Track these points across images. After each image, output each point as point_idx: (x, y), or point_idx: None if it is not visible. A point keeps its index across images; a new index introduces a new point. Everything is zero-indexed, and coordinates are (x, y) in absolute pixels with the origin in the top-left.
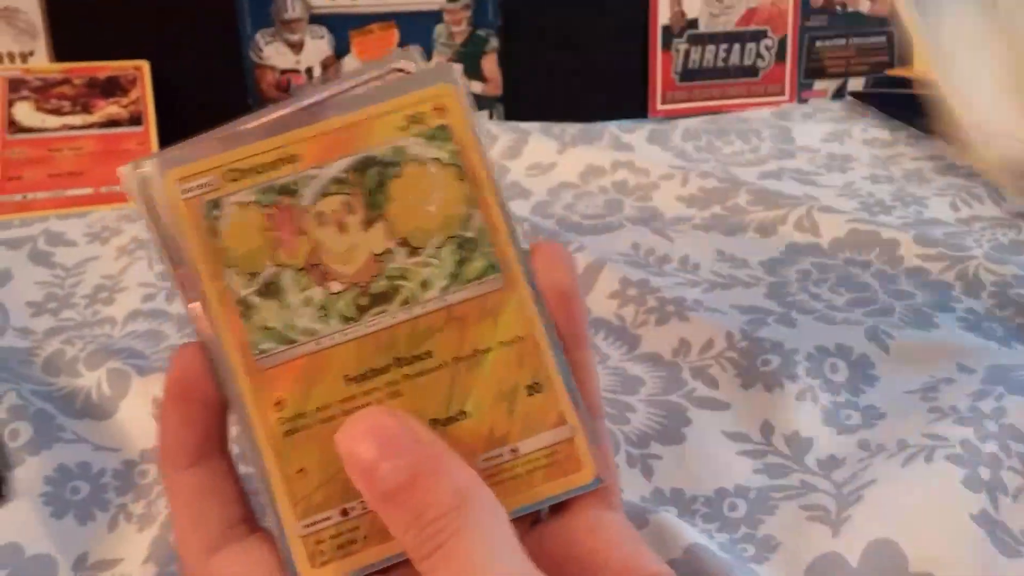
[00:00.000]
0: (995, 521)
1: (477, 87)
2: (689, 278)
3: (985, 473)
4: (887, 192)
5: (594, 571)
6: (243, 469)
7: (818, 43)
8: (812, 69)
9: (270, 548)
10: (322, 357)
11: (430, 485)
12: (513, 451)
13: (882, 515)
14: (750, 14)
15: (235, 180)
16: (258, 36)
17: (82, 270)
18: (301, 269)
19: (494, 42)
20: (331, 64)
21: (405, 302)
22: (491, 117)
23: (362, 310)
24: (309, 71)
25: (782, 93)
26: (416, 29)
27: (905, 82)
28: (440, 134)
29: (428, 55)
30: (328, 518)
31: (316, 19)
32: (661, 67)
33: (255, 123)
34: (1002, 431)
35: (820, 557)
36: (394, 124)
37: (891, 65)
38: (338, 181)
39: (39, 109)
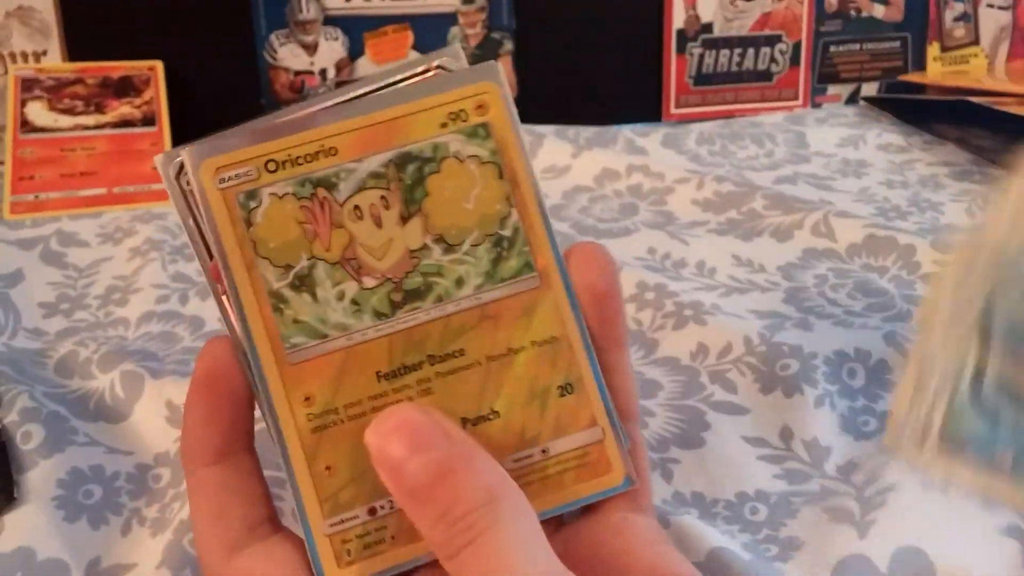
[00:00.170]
0: None
1: None
2: (706, 282)
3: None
4: (903, 198)
5: (620, 572)
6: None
7: (832, 48)
8: (826, 74)
9: (292, 548)
10: (354, 353)
11: (459, 481)
12: (544, 451)
13: (908, 522)
14: (764, 19)
15: (272, 171)
16: (272, 37)
17: (95, 271)
18: (335, 263)
19: (509, 45)
20: (345, 66)
21: (439, 299)
22: None
23: (395, 306)
24: (323, 73)
25: (796, 98)
26: (431, 31)
27: (919, 87)
28: (480, 132)
29: None
30: (355, 517)
31: (330, 21)
32: (675, 71)
33: (294, 115)
34: None
35: (847, 558)
36: (435, 120)
37: (905, 70)
38: (376, 175)
39: (52, 109)
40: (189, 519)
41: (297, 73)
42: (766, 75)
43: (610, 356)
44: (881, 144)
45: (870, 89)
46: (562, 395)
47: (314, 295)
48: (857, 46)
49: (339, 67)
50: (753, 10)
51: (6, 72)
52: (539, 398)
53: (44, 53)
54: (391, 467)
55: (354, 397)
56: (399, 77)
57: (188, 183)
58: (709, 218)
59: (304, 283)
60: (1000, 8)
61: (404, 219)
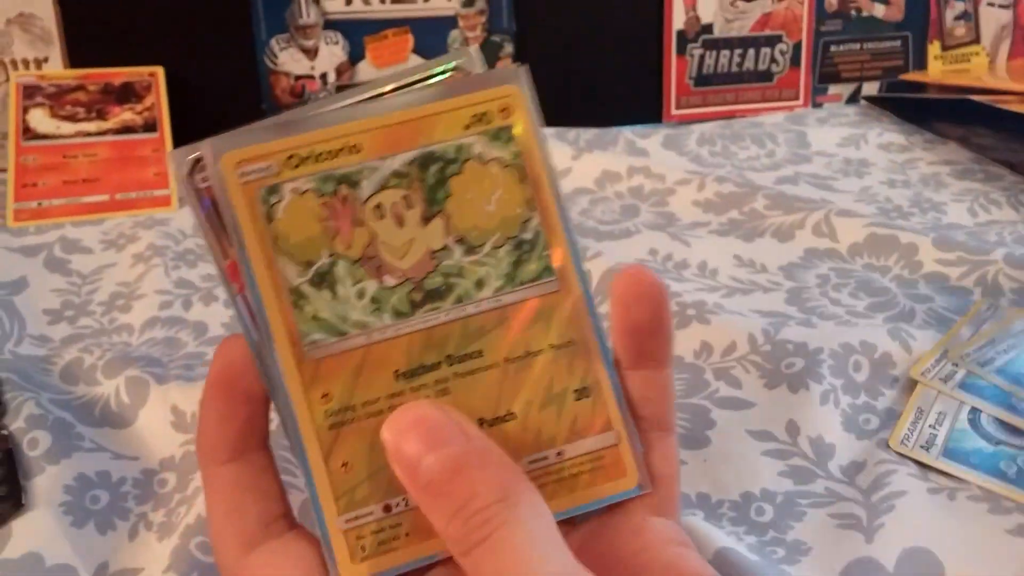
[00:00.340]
0: None
1: None
2: (708, 283)
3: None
4: (905, 197)
5: (637, 571)
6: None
7: (833, 48)
8: (827, 74)
9: (307, 545)
10: (372, 351)
11: (475, 478)
12: (559, 454)
13: (915, 524)
14: (765, 19)
15: (295, 167)
16: (273, 42)
17: (98, 277)
18: (356, 261)
19: (509, 47)
20: (346, 70)
21: (459, 300)
22: None
23: (415, 306)
24: (324, 77)
25: (796, 98)
26: (431, 35)
27: (920, 86)
28: (504, 134)
29: None
30: (370, 513)
31: (331, 25)
32: (676, 72)
33: (316, 112)
34: None
35: (854, 562)
36: (459, 121)
37: (906, 69)
38: (399, 174)
39: (54, 116)
40: (195, 523)
41: (298, 78)
42: (767, 75)
43: (655, 373)
44: (882, 143)
45: (871, 89)
46: (578, 399)
47: (334, 292)
48: (858, 46)
49: (340, 71)
50: (753, 10)
51: (8, 79)
52: (556, 401)
53: (45, 60)
54: (407, 463)
55: (372, 395)
56: (419, 77)
57: (204, 179)
58: (710, 219)
59: (324, 280)
60: (1001, 7)
61: (426, 219)
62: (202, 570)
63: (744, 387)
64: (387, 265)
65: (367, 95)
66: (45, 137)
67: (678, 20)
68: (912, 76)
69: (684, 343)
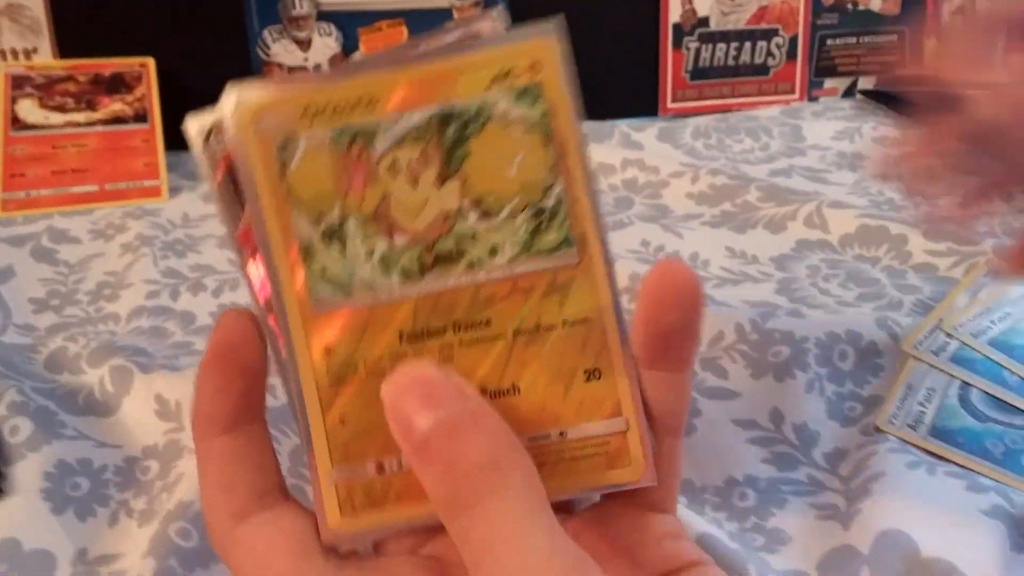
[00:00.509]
0: (1010, 515)
1: None
2: (699, 274)
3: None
4: (897, 190)
5: (632, 560)
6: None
7: (829, 41)
8: (823, 67)
9: (298, 515)
10: (378, 311)
11: (469, 440)
12: (561, 434)
13: (892, 507)
14: (761, 12)
15: (311, 119)
16: (265, 33)
17: (86, 267)
18: (368, 218)
19: None
20: (339, 62)
21: (470, 266)
22: None
23: (425, 268)
24: (317, 68)
25: (792, 91)
26: (425, 26)
27: (916, 80)
28: (530, 94)
29: None
30: (363, 469)
31: (324, 16)
32: (672, 65)
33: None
34: None
35: (832, 551)
36: (483, 78)
37: (902, 63)
38: (417, 131)
39: (43, 106)
40: (176, 509)
41: (291, 69)
42: (763, 69)
43: (674, 376)
44: (877, 137)
45: (867, 82)
46: (588, 380)
47: (343, 249)
48: (854, 39)
49: (333, 63)
50: (750, 4)
51: None
52: (563, 380)
53: (35, 50)
54: (402, 421)
55: (374, 354)
56: (445, 32)
57: (220, 145)
58: (703, 211)
59: (335, 236)
60: None
61: (442, 179)
62: (180, 555)
63: (731, 377)
64: (398, 225)
65: (393, 49)
66: (34, 127)
67: (674, 13)
68: (908, 70)
69: None
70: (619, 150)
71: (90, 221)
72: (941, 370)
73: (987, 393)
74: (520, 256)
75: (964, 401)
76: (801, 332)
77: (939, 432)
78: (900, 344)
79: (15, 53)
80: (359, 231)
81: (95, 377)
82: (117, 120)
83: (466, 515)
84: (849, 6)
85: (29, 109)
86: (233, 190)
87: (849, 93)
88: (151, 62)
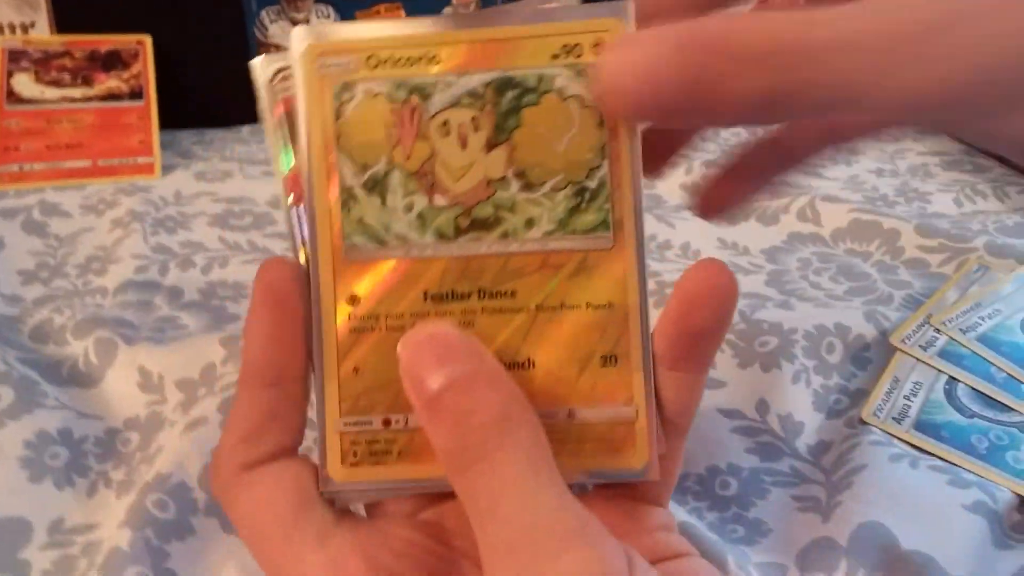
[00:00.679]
0: (992, 510)
1: None
2: (689, 265)
3: (971, 476)
4: (891, 186)
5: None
6: None
7: None
8: None
9: (304, 469)
10: (408, 266)
11: (481, 396)
12: (570, 415)
13: (872, 500)
14: (762, 5)
15: (373, 68)
16: (263, 14)
17: (76, 241)
18: (412, 174)
19: None
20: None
21: (504, 235)
22: None
23: (460, 231)
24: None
25: None
26: (423, 10)
27: None
28: (591, 72)
29: None
30: (370, 423)
31: None
32: None
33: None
34: None
35: (811, 543)
36: (546, 50)
37: None
38: (473, 94)
39: (39, 81)
40: (154, 480)
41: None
42: None
43: (692, 377)
44: None
45: None
46: (604, 365)
47: (384, 200)
48: None
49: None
50: None
51: None
52: (579, 361)
53: (32, 25)
54: (415, 375)
55: (398, 310)
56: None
57: (285, 89)
58: None
59: (377, 186)
60: None
61: (490, 145)
62: (156, 527)
63: (717, 366)
64: (441, 184)
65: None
66: (29, 102)
67: None
68: None
69: None
70: None
71: (82, 196)
72: (928, 364)
73: (974, 388)
74: (555, 232)
75: (950, 396)
76: (789, 324)
77: (924, 426)
78: (888, 338)
79: (12, 27)
80: (401, 185)
81: (79, 348)
82: (112, 97)
83: (474, 468)
84: None
85: (25, 83)
86: (289, 131)
87: None
88: (148, 39)
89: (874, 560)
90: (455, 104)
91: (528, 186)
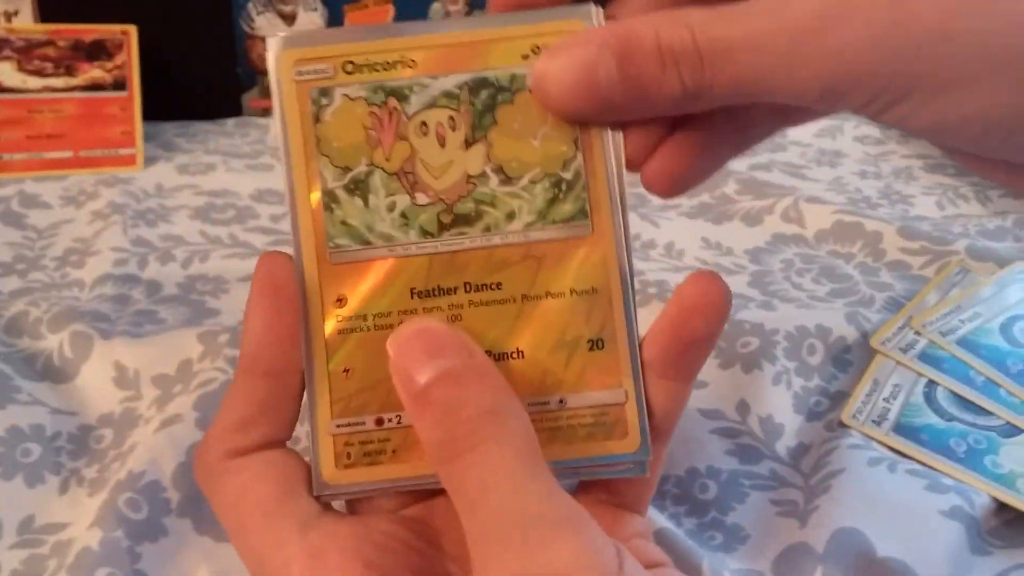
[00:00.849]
0: (970, 516)
1: None
2: (673, 263)
3: (949, 481)
4: (875, 188)
5: None
6: None
7: None
8: None
9: (291, 460)
10: (393, 265)
11: (470, 388)
12: (561, 402)
13: (849, 505)
14: None
15: (350, 73)
16: (250, 6)
17: (54, 233)
18: (393, 174)
19: None
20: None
21: (487, 229)
22: None
23: (443, 227)
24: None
25: None
26: (411, 6)
27: None
28: (531, 74)
29: None
30: (362, 424)
31: None
32: None
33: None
34: None
35: (788, 549)
36: (517, 50)
37: None
38: (449, 95)
39: (21, 70)
40: (126, 479)
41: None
42: None
43: (678, 383)
44: (858, 136)
45: None
46: (591, 349)
47: (366, 201)
48: None
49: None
50: None
51: None
52: (567, 348)
53: (16, 13)
54: (404, 371)
55: (385, 308)
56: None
57: (271, 71)
58: (681, 201)
59: (359, 187)
60: None
61: (468, 143)
62: (128, 527)
63: None
64: (422, 183)
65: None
66: (11, 91)
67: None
68: None
69: (642, 322)
70: None
71: (62, 187)
72: (908, 367)
73: (953, 392)
74: (536, 223)
75: (929, 399)
76: (771, 324)
77: (903, 429)
78: (868, 340)
79: None
80: (383, 186)
81: (55, 342)
82: (95, 87)
83: (463, 458)
84: None
85: (7, 72)
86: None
87: None
88: (133, 30)
89: (850, 567)
90: (432, 105)
91: (507, 180)
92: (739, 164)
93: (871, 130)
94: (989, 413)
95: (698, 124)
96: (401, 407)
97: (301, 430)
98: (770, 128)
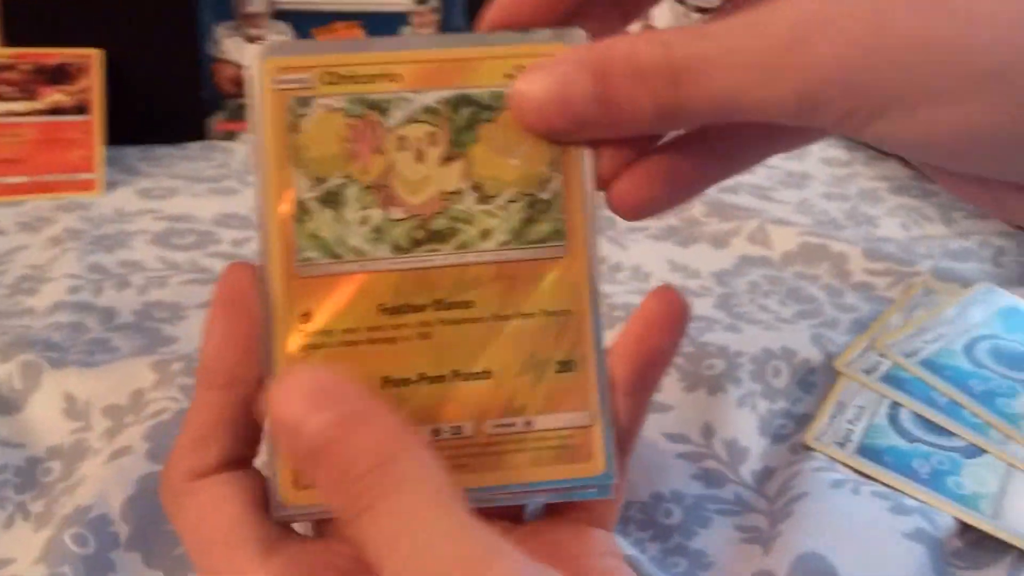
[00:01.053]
0: (933, 538)
1: None
2: (640, 287)
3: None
4: (841, 210)
5: (574, 570)
6: None
7: None
8: None
9: (256, 481)
10: (363, 280)
11: (355, 443)
12: (527, 423)
13: (812, 529)
14: None
15: (330, 84)
16: (217, 29)
17: (8, 260)
18: (368, 187)
19: None
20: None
21: (461, 246)
22: None
23: (416, 243)
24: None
25: None
26: (381, 30)
27: None
28: (509, 94)
29: None
30: None
31: (279, 15)
32: None
33: (370, 39)
34: None
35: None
36: (500, 69)
37: None
38: (430, 111)
39: None
40: (73, 513)
41: (242, 67)
42: None
43: (640, 398)
44: (825, 158)
45: None
46: (560, 371)
47: (339, 214)
48: None
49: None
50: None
51: None
52: (536, 369)
53: None
54: (289, 425)
55: (352, 324)
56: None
57: (251, 79)
58: (649, 224)
59: (332, 200)
60: None
61: (446, 160)
62: (73, 562)
63: (664, 390)
64: (397, 198)
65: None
66: None
67: (632, 27)
68: None
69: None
70: None
71: (18, 213)
72: (872, 389)
73: (916, 413)
74: (510, 243)
75: (893, 420)
76: (736, 347)
77: (866, 450)
78: (832, 362)
79: None
80: (357, 199)
81: (3, 372)
82: (57, 111)
83: (365, 516)
84: None
85: None
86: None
87: None
88: (97, 53)
89: None
90: (412, 120)
91: (483, 198)
92: None
93: (838, 152)
94: (952, 434)
95: (672, 148)
96: None
97: None
98: (755, 155)
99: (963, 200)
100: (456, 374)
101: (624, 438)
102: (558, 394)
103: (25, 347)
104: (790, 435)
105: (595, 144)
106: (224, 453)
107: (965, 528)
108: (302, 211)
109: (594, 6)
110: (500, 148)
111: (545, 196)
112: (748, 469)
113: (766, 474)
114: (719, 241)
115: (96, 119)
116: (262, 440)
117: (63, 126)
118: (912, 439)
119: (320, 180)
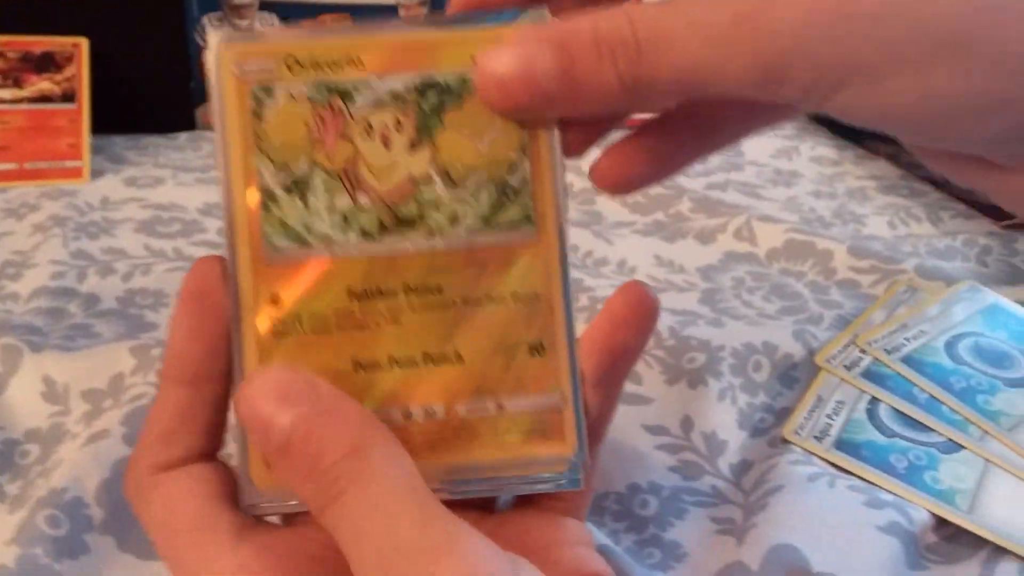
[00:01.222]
0: (907, 531)
1: None
2: (625, 280)
3: (888, 496)
4: (828, 208)
5: (545, 563)
6: None
7: None
8: None
9: (220, 471)
10: (331, 266)
11: (325, 433)
12: (499, 406)
13: (786, 521)
14: None
15: (293, 70)
16: (205, 19)
17: None
18: (334, 174)
19: None
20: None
21: (429, 232)
22: None
23: (384, 229)
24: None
25: None
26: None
27: None
28: (474, 71)
29: None
30: None
31: (266, 6)
32: None
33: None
34: None
35: (724, 568)
36: (467, 52)
37: None
38: (396, 96)
39: None
40: (47, 495)
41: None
42: None
43: (609, 391)
44: (814, 156)
45: None
46: (531, 355)
47: (305, 201)
48: None
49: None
50: None
51: None
52: (506, 352)
53: None
54: (260, 423)
55: (320, 309)
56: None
57: (210, 67)
58: (636, 219)
59: (298, 187)
60: None
61: (413, 146)
62: (47, 544)
63: (644, 382)
64: (364, 184)
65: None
66: None
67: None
68: None
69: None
70: None
71: (4, 200)
72: (852, 384)
73: (895, 409)
74: (479, 228)
75: (872, 415)
76: (718, 341)
77: (844, 445)
78: (813, 357)
79: None
80: (324, 185)
81: None
82: (44, 99)
83: (334, 506)
84: None
85: None
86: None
87: None
88: (84, 42)
89: None
90: (378, 105)
91: (451, 184)
92: (694, 183)
93: (827, 151)
94: (930, 430)
95: (654, 125)
96: None
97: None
98: (733, 132)
99: (950, 179)
100: (427, 357)
101: (594, 428)
102: (529, 377)
103: (6, 331)
104: (769, 429)
105: (563, 126)
106: (190, 447)
107: (940, 523)
108: (269, 199)
109: None
110: (468, 133)
111: (513, 181)
112: (726, 462)
113: (744, 467)
114: (705, 237)
115: (83, 107)
116: (226, 432)
117: (50, 114)
118: (890, 434)
119: (286, 167)
